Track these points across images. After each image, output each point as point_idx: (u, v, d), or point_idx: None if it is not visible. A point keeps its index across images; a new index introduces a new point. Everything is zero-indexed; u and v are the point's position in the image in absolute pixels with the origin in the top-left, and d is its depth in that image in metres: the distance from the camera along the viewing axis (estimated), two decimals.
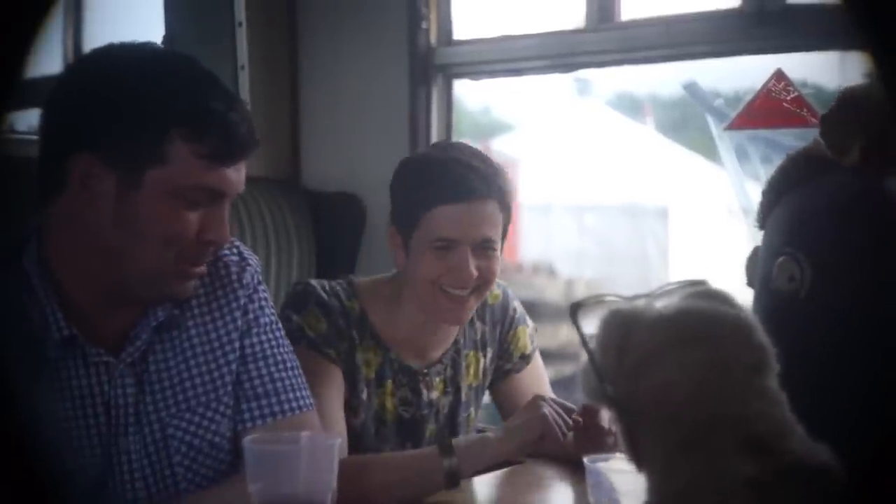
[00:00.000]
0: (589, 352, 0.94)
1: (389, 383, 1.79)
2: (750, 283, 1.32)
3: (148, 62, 1.35)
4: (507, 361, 1.93)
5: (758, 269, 1.28)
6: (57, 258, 1.34)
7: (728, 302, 0.96)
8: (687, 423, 0.88)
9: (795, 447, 0.86)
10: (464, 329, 1.86)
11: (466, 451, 1.59)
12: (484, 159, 1.72)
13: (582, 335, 0.94)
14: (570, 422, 1.62)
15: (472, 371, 1.88)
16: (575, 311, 0.95)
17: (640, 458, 0.92)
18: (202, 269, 1.38)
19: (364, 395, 1.76)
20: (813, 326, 1.17)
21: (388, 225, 1.79)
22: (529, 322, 1.95)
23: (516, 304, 1.94)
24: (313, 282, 1.77)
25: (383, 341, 1.78)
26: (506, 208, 1.71)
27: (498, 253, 1.73)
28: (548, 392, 1.93)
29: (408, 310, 1.79)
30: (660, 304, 0.95)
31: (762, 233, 1.31)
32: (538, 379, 1.96)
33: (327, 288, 1.76)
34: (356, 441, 1.73)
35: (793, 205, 1.26)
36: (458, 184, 1.67)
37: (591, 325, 0.96)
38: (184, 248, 1.33)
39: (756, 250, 1.32)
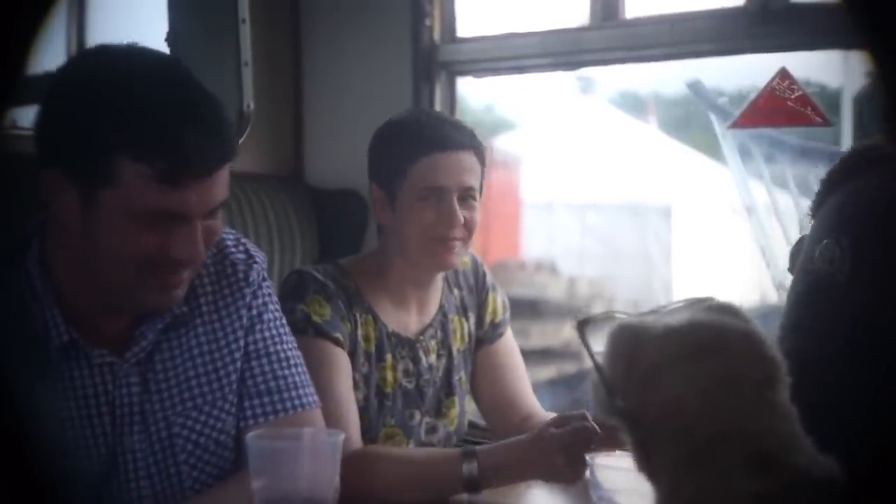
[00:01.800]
0: (597, 365, 0.94)
1: (389, 357, 1.83)
2: (791, 270, 1.33)
3: (111, 74, 1.27)
4: (479, 328, 1.98)
5: (801, 254, 1.28)
6: (53, 261, 1.33)
7: (738, 315, 0.95)
8: (695, 438, 0.88)
9: (801, 461, 0.86)
10: (445, 295, 1.93)
11: (488, 458, 1.59)
12: (454, 119, 1.90)
13: (590, 350, 0.94)
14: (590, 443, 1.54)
15: (458, 335, 1.94)
16: (583, 326, 0.95)
17: (650, 471, 0.92)
18: (182, 279, 1.32)
19: (365, 369, 1.79)
20: (845, 307, 1.17)
21: (368, 184, 1.87)
22: (500, 290, 2.02)
23: (486, 269, 2.02)
24: (306, 268, 1.84)
25: (378, 315, 1.83)
26: (482, 161, 1.84)
27: (478, 204, 1.83)
28: (520, 368, 1.99)
29: (394, 275, 1.85)
30: (668, 320, 0.94)
31: (812, 222, 1.32)
32: (510, 356, 2.00)
33: (321, 271, 1.81)
34: (360, 416, 1.75)
35: (843, 194, 1.27)
36: (439, 135, 1.80)
37: (599, 340, 0.96)
38: (150, 265, 1.27)
39: (802, 239, 1.33)
